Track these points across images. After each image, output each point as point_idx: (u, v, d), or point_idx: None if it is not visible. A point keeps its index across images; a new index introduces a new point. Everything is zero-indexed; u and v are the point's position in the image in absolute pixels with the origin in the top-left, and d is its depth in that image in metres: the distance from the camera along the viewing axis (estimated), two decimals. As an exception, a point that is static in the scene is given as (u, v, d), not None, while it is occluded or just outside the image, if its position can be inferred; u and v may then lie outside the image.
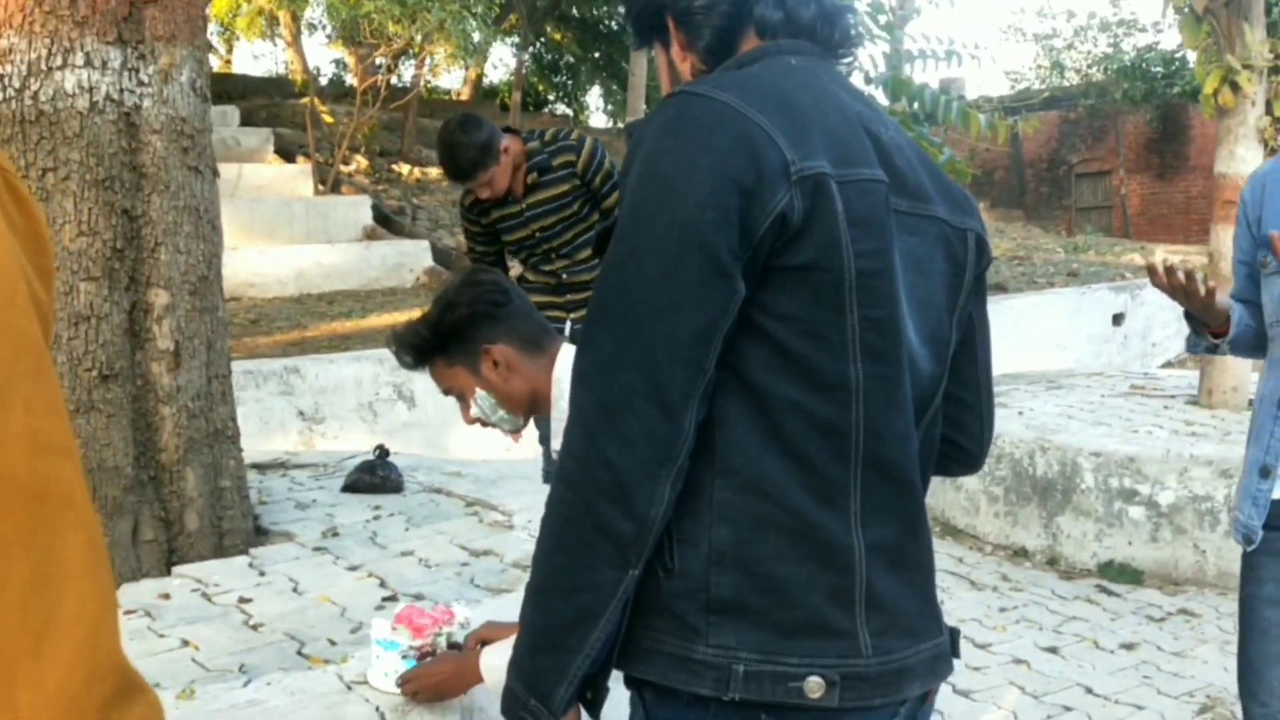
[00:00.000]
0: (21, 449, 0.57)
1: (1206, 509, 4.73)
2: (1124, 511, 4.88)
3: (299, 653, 2.82)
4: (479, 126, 4.06)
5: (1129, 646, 4.16)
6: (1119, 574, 4.87)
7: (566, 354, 2.01)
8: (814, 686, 1.17)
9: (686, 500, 1.17)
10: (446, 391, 2.08)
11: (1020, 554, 5.09)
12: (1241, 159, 5.76)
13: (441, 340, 2.01)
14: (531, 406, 2.03)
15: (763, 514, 1.18)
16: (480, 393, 2.01)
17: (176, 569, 3.34)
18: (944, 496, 5.44)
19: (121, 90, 3.31)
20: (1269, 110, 5.89)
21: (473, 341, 1.99)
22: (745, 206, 1.13)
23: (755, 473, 1.17)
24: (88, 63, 3.26)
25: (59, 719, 0.56)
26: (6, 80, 3.21)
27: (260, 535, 3.73)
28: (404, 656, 2.50)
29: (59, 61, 3.24)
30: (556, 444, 2.25)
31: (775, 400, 1.17)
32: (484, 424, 2.07)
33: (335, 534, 3.76)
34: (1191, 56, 6.30)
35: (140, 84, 3.34)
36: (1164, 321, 10.15)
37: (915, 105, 6.48)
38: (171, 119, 3.40)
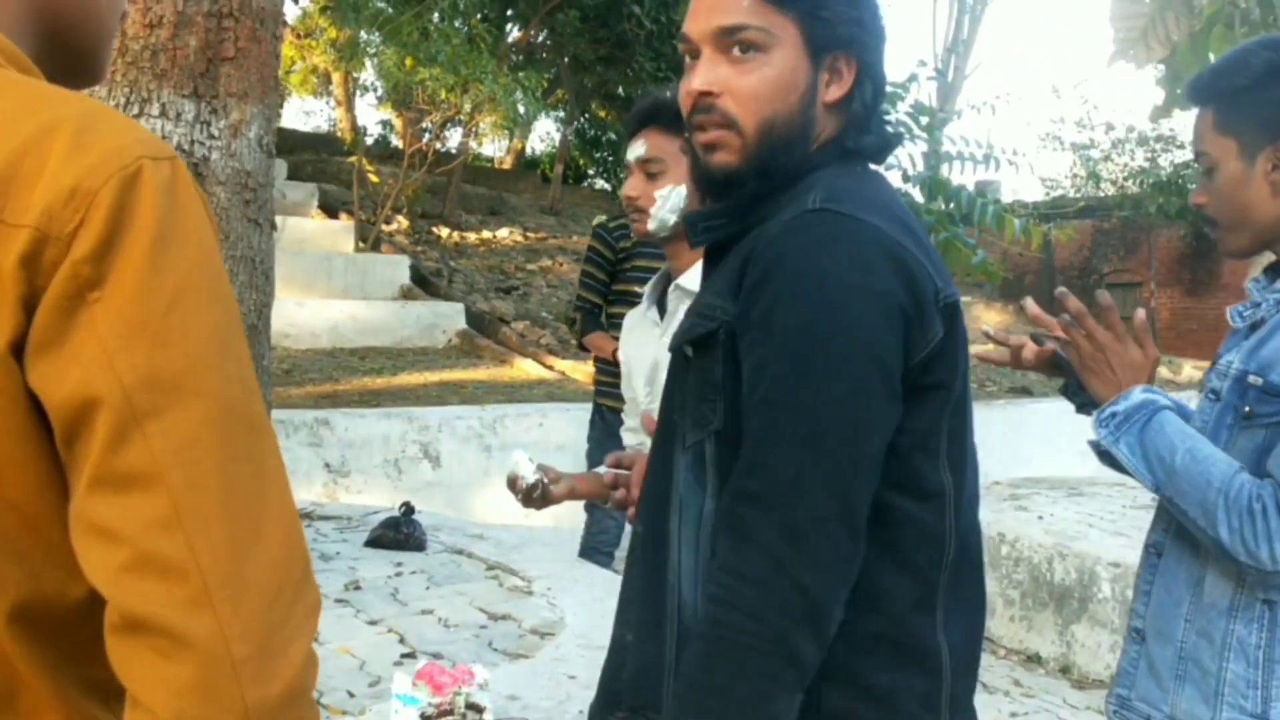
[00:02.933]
0: (239, 388, 0.77)
1: (1224, 628, 4.71)
2: (1140, 625, 4.86)
3: (318, 702, 2.85)
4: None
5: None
6: (1132, 688, 4.83)
7: None
8: None
9: None
10: (645, 160, 2.03)
11: (1034, 660, 5.06)
12: (1274, 282, 5.80)
13: None
14: None
15: (876, 629, 1.20)
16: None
17: (201, 610, 3.39)
18: (960, 596, 5.45)
19: (192, 141, 3.44)
20: (1303, 236, 5.93)
21: None
22: (909, 334, 1.16)
23: (873, 589, 1.19)
24: (163, 113, 3.40)
25: (274, 585, 0.75)
26: (84, 125, 3.35)
27: (284, 583, 3.78)
28: (423, 714, 2.54)
29: (135, 111, 3.38)
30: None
31: (892, 512, 1.19)
32: (637, 209, 2.03)
33: (357, 587, 3.81)
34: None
35: (211, 137, 3.48)
36: (1189, 437, 10.14)
37: (951, 205, 6.58)
38: (237, 172, 3.53)
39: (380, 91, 15.70)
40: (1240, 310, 1.73)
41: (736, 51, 1.24)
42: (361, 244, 11.40)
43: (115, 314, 0.72)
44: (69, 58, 0.89)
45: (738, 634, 1.11)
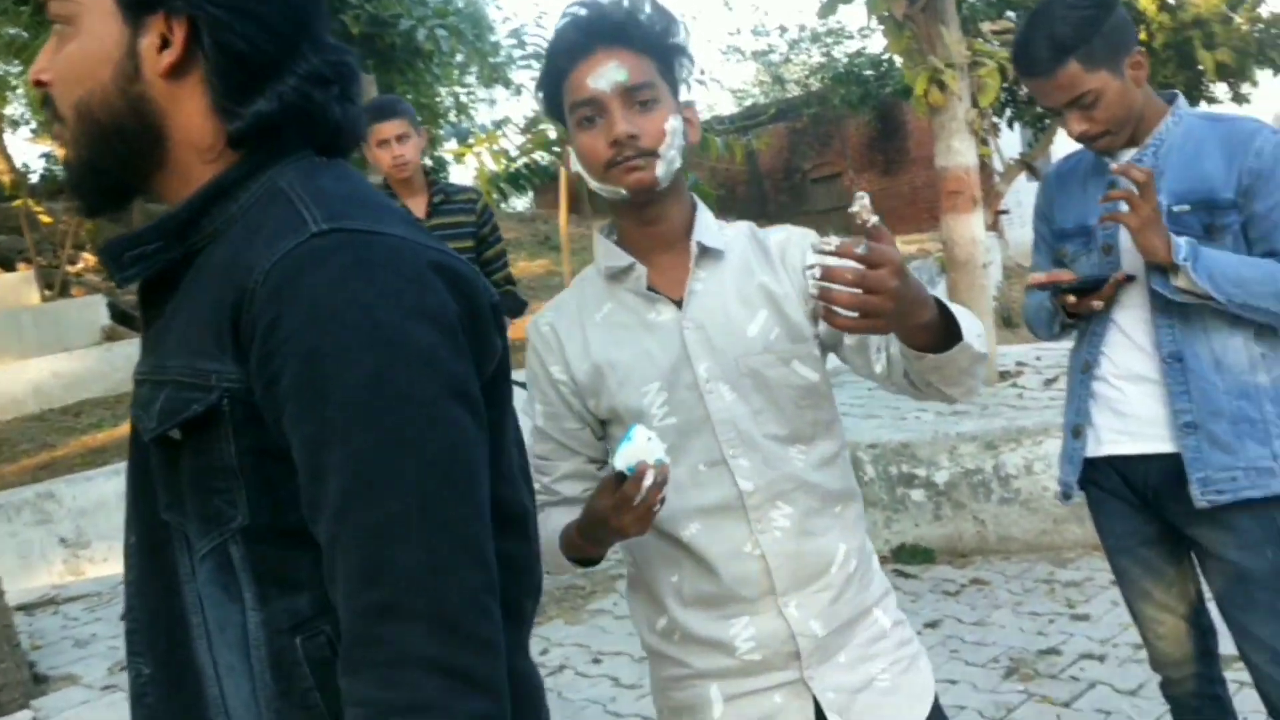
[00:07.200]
0: None
1: (979, 481, 5.03)
2: (906, 496, 5.13)
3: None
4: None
5: (932, 624, 4.36)
6: (912, 555, 5.10)
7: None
8: None
9: None
10: (634, 87, 1.51)
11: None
12: (958, 151, 6.18)
13: None
14: None
15: None
16: (676, 125, 1.55)
17: (-55, 741, 3.04)
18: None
19: None
20: (975, 103, 6.34)
21: None
22: (475, 351, 1.04)
23: None
24: None
25: None
26: None
27: (40, 684, 3.45)
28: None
29: None
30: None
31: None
32: (642, 151, 1.52)
33: (124, 668, 3.51)
34: (898, 59, 6.71)
35: None
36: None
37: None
38: None
39: (33, 123, 14.50)
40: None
41: (67, 27, 1.06)
42: (48, 292, 10.55)
43: None
44: None
45: None
